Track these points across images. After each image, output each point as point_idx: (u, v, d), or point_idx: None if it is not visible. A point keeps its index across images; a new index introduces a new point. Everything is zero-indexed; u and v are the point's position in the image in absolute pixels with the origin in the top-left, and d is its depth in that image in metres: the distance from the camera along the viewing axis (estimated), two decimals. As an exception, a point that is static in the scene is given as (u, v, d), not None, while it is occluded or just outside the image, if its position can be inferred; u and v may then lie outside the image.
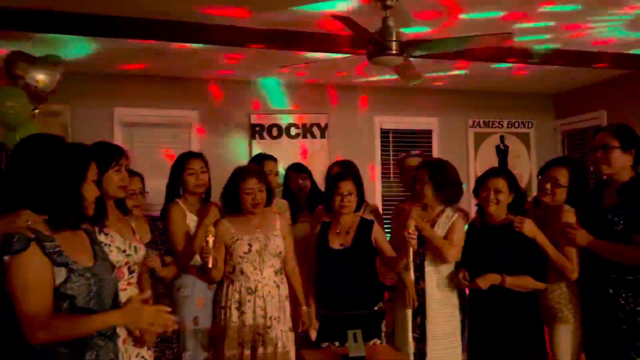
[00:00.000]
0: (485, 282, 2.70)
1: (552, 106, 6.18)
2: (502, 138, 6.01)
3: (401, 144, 5.74)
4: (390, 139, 5.73)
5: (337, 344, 2.61)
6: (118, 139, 4.80)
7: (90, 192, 1.73)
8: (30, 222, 1.56)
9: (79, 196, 1.68)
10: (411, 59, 3.36)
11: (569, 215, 2.74)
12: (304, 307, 2.95)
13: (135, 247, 2.32)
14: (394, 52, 3.10)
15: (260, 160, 3.56)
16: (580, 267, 2.71)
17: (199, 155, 3.12)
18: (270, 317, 2.76)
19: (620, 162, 2.56)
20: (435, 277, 2.88)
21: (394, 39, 3.06)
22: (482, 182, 2.86)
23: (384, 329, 2.90)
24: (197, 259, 2.85)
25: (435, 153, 5.77)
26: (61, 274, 1.58)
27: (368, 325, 2.30)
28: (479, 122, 5.94)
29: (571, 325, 2.75)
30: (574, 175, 2.80)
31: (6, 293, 1.54)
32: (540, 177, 2.90)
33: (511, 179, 2.81)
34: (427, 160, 3.10)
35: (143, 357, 2.33)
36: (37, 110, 3.67)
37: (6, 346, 1.58)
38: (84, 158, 1.74)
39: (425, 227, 2.88)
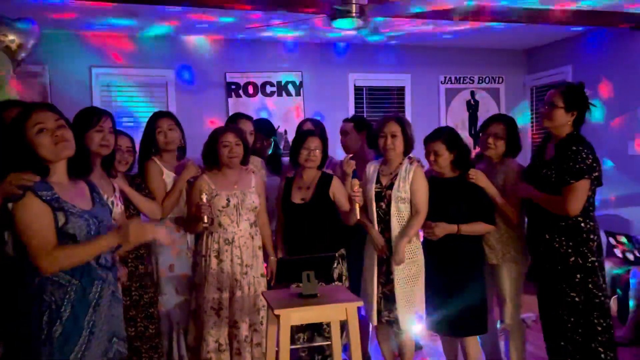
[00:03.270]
0: (442, 231, 2.97)
1: (523, 61, 6.33)
2: (472, 93, 6.20)
3: (374, 101, 5.92)
4: (364, 96, 5.89)
5: (296, 284, 2.87)
6: (96, 99, 4.94)
7: (43, 143, 1.86)
8: (22, 179, 1.81)
9: (26, 149, 1.85)
10: (372, 19, 3.51)
11: (513, 173, 3.03)
12: (272, 257, 3.22)
13: (112, 202, 2.56)
14: (354, 14, 3.26)
15: (235, 119, 3.73)
16: (527, 215, 3.00)
17: (168, 114, 3.27)
18: (246, 265, 3.02)
19: (560, 120, 2.79)
20: (398, 228, 3.05)
21: (353, 1, 3.21)
22: (425, 145, 3.10)
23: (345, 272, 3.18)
24: (175, 211, 3.13)
25: (408, 109, 5.95)
26: (60, 217, 1.83)
27: (318, 268, 2.53)
28: (450, 78, 6.11)
29: (515, 264, 3.06)
30: (508, 129, 3.10)
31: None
32: (481, 134, 3.14)
33: (450, 140, 3.03)
34: (394, 116, 3.19)
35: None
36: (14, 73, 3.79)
37: (28, 280, 1.86)
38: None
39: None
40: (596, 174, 2.69)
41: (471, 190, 3.00)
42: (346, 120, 3.84)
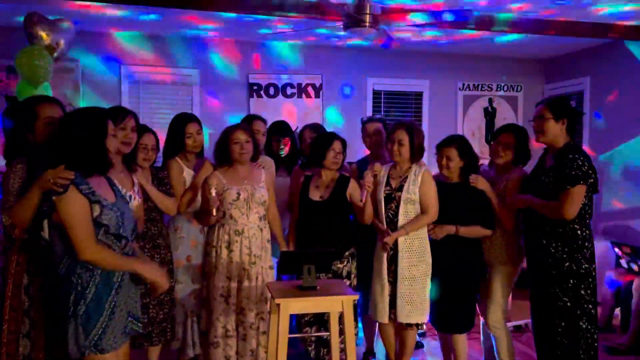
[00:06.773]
0: (442, 232, 3.14)
1: (542, 71, 6.39)
2: (490, 101, 6.27)
3: (392, 105, 6.05)
4: (382, 100, 6.03)
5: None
6: (125, 95, 5.21)
7: (112, 144, 2.18)
8: (61, 176, 2.04)
9: (104, 149, 2.15)
10: (387, 28, 3.66)
11: (512, 182, 3.15)
12: (284, 249, 3.39)
13: (130, 196, 2.76)
14: (367, 24, 3.41)
15: (251, 120, 3.93)
16: (524, 220, 3.11)
17: (195, 118, 3.48)
18: (255, 255, 3.19)
19: (553, 131, 2.90)
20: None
21: (367, 11, 3.37)
22: (438, 150, 3.24)
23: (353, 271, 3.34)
24: (194, 206, 3.33)
25: (425, 115, 6.07)
26: (96, 208, 2.06)
27: (319, 262, 2.68)
28: (468, 85, 6.20)
29: (505, 268, 3.19)
30: (518, 138, 3.22)
31: (57, 225, 2.06)
32: (492, 142, 3.26)
33: (463, 148, 3.17)
34: (405, 123, 3.28)
35: None
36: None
37: (58, 263, 2.10)
38: (103, 118, 2.18)
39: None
40: (592, 180, 2.79)
41: (473, 195, 3.14)
42: (375, 120, 3.84)
